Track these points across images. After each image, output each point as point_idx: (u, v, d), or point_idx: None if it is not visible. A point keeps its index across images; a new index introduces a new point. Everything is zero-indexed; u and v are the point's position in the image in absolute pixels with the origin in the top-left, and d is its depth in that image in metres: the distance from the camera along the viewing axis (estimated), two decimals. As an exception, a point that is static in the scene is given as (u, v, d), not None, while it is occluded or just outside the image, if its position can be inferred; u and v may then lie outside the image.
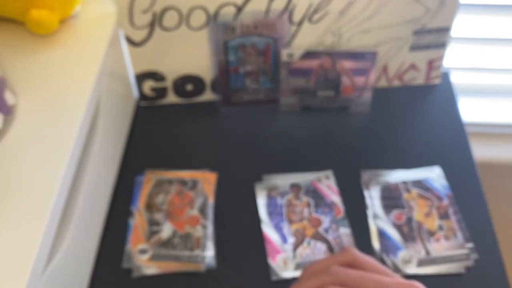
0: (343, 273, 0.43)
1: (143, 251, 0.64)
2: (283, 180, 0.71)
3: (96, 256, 0.65)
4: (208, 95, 0.82)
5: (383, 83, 0.83)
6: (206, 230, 0.66)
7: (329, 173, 0.71)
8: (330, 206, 0.68)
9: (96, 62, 0.64)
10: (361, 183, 0.70)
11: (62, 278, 0.54)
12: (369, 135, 0.77)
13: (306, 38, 0.76)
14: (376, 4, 0.73)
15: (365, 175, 0.71)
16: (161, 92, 0.81)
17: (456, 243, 0.64)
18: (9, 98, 0.58)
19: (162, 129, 0.79)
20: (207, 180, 0.71)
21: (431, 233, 0.65)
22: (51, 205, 0.50)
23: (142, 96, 0.82)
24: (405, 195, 0.68)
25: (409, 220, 0.66)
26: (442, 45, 0.79)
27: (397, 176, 0.70)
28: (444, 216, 0.66)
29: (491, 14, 0.91)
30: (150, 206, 0.68)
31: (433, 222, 0.66)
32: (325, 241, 0.65)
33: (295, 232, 0.65)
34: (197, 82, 0.81)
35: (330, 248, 0.64)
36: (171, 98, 0.82)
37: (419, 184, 0.69)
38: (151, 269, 0.63)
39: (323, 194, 0.69)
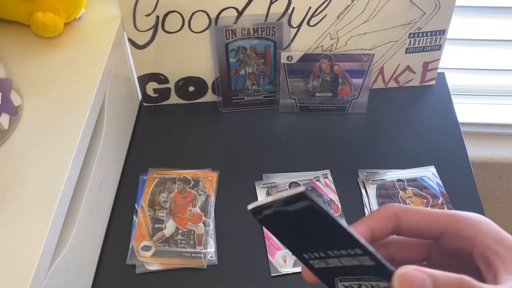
0: None
1: (146, 248, 0.65)
2: (283, 179, 0.72)
3: (100, 252, 0.66)
4: (209, 96, 0.83)
5: (379, 84, 0.84)
6: (208, 228, 0.67)
7: (327, 172, 0.73)
8: (328, 203, 0.69)
9: (100, 64, 0.65)
10: (358, 182, 0.72)
11: (67, 274, 0.55)
12: (366, 135, 0.79)
13: (304, 41, 0.77)
14: (373, 8, 0.74)
15: (362, 174, 0.72)
16: (164, 93, 0.83)
17: (451, 240, 0.65)
18: (15, 99, 0.59)
19: (165, 129, 0.81)
20: (209, 179, 0.72)
21: (426, 231, 0.66)
22: (57, 203, 0.51)
23: (146, 97, 0.83)
24: (401, 194, 0.70)
25: (405, 217, 0.67)
26: (437, 48, 0.80)
27: (393, 175, 0.72)
28: (439, 214, 0.68)
29: (486, 16, 0.92)
30: (153, 204, 0.69)
31: (428, 220, 0.67)
32: (323, 238, 0.66)
33: (294, 230, 0.66)
34: (199, 84, 0.82)
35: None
36: (174, 99, 0.83)
37: (415, 182, 0.71)
38: (154, 266, 0.64)
39: (321, 193, 0.70)
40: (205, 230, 0.67)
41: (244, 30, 0.75)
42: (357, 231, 0.33)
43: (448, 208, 0.68)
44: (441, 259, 0.36)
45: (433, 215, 0.35)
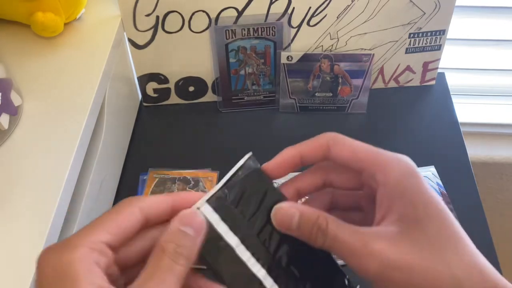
0: None
1: (146, 248, 0.65)
2: (283, 179, 0.72)
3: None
4: (209, 96, 0.83)
5: (379, 84, 0.84)
6: (208, 228, 0.67)
7: (327, 172, 0.73)
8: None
9: (100, 64, 0.65)
10: (358, 182, 0.72)
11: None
12: (366, 135, 0.77)
13: (304, 41, 0.77)
14: (372, 8, 0.74)
15: (362, 174, 0.72)
16: (164, 93, 0.83)
17: (451, 240, 0.65)
18: (15, 99, 0.59)
19: (165, 129, 0.81)
20: (209, 179, 0.72)
21: (426, 230, 0.66)
22: (57, 203, 0.51)
23: (146, 97, 0.83)
24: (401, 194, 0.70)
25: (405, 217, 0.67)
26: (437, 48, 0.80)
27: (393, 175, 0.72)
28: (439, 214, 0.67)
29: (486, 16, 0.92)
30: (153, 204, 0.69)
31: (428, 220, 0.67)
32: (323, 238, 0.66)
33: (294, 230, 0.66)
34: (199, 84, 0.82)
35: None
36: (174, 99, 0.83)
37: (415, 182, 0.71)
38: (154, 265, 0.64)
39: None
40: (205, 230, 0.67)
41: (244, 30, 0.75)
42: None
43: (449, 209, 0.68)
44: (369, 190, 0.37)
45: (359, 153, 0.38)
